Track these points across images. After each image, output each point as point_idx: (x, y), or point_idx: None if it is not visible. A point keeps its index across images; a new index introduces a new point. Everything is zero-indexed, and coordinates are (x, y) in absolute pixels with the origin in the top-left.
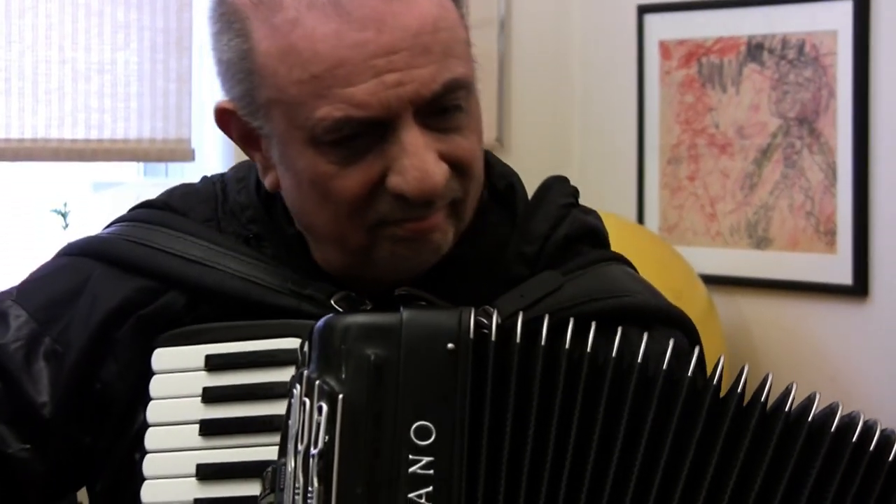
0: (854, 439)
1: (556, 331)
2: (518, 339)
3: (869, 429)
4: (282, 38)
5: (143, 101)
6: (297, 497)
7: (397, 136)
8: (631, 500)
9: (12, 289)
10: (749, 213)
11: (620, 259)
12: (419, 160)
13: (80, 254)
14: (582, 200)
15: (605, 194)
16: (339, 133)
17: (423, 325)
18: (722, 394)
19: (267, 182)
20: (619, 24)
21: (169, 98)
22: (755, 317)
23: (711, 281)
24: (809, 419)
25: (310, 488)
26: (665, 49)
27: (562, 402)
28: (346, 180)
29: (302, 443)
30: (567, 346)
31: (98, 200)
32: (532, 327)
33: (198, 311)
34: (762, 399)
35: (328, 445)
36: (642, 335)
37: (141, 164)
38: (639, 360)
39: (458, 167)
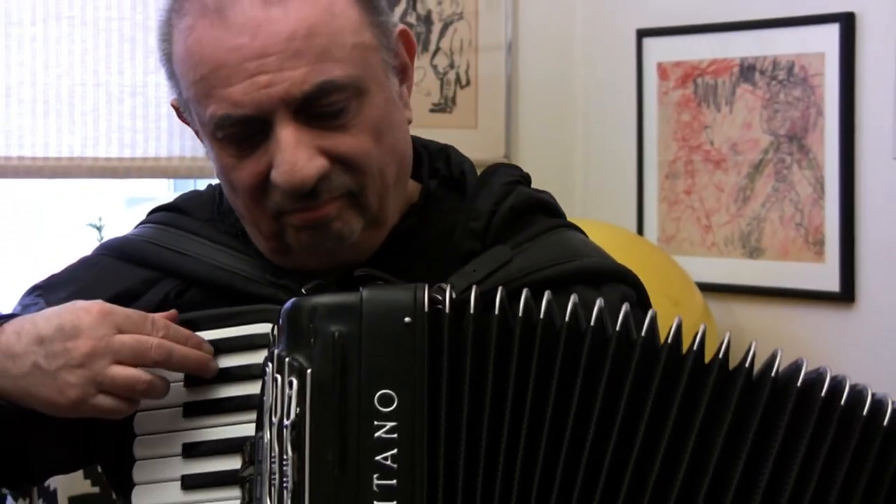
0: (823, 394)
1: (510, 300)
2: (472, 311)
3: (838, 384)
4: (183, 42)
5: (173, 121)
6: (273, 465)
7: (275, 134)
8: (588, 454)
9: (44, 282)
10: (742, 224)
11: (570, 225)
12: (289, 155)
13: (101, 251)
14: (584, 213)
15: (606, 207)
16: (225, 130)
17: (381, 302)
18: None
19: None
20: (619, 47)
21: None
22: (748, 322)
23: (707, 288)
24: (773, 375)
25: (285, 457)
26: (663, 70)
27: (517, 365)
28: (242, 172)
29: (276, 416)
30: (521, 313)
31: (131, 215)
32: (487, 297)
33: (186, 298)
34: (720, 356)
35: (299, 417)
36: (594, 294)
37: (171, 181)
38: (591, 322)
39: (344, 163)
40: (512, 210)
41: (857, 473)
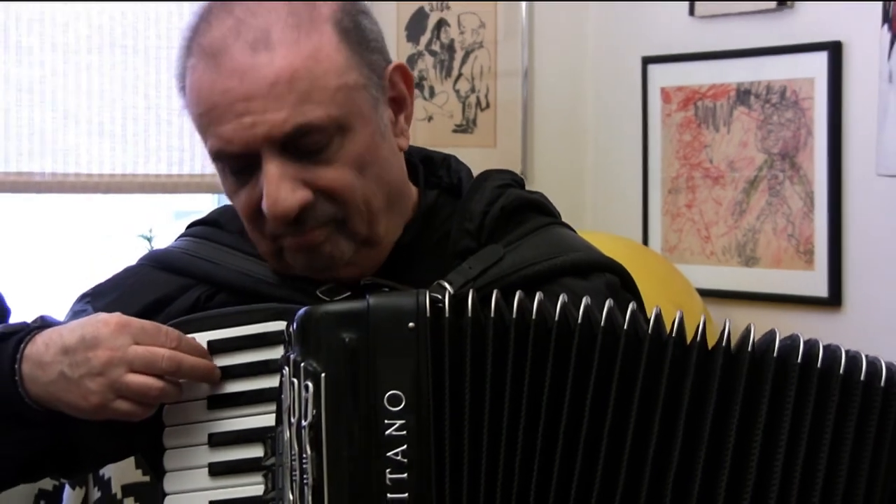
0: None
1: (504, 295)
2: (470, 314)
3: (812, 347)
4: (188, 80)
5: None
6: (294, 462)
7: (263, 167)
8: (584, 439)
9: (91, 290)
10: (739, 235)
11: (558, 223)
12: (272, 188)
13: (143, 261)
14: (594, 225)
15: (614, 220)
16: (222, 162)
17: (386, 309)
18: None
19: None
20: (626, 73)
21: None
22: (744, 325)
23: (707, 294)
24: (749, 349)
25: (304, 455)
26: (666, 95)
27: (513, 363)
28: (240, 199)
29: (294, 416)
30: (514, 314)
31: (179, 227)
32: (483, 294)
33: (216, 301)
34: (697, 339)
35: (316, 418)
36: (581, 284)
37: (215, 195)
38: (578, 319)
39: (327, 194)
40: (502, 210)
41: (843, 430)
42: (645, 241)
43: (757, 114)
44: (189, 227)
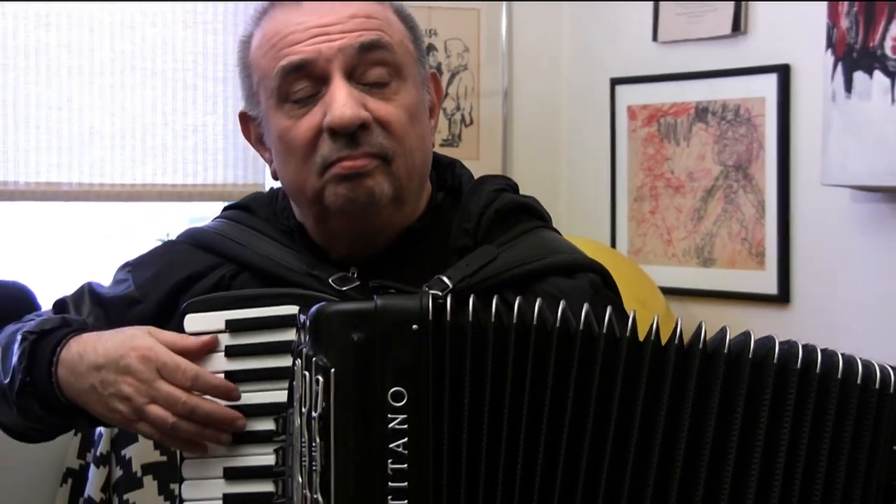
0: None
1: (498, 291)
2: (470, 318)
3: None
4: (262, 30)
5: (227, 154)
6: (303, 448)
7: (329, 87)
8: (591, 436)
9: (134, 260)
10: (697, 239)
11: (547, 226)
12: (341, 98)
13: (182, 238)
14: (568, 230)
15: (586, 225)
16: (289, 77)
17: (392, 311)
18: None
19: (271, 172)
20: (595, 93)
21: (248, 152)
22: (702, 320)
23: (668, 292)
24: (700, 346)
25: (314, 443)
26: (632, 112)
27: (513, 362)
28: (299, 129)
29: (305, 406)
30: (515, 319)
31: None
32: (478, 294)
33: (238, 280)
34: (675, 340)
35: (325, 410)
36: (567, 282)
37: (226, 203)
38: (557, 322)
39: (383, 125)
40: (497, 212)
41: (801, 423)
42: (613, 244)
43: (714, 129)
44: (224, 209)
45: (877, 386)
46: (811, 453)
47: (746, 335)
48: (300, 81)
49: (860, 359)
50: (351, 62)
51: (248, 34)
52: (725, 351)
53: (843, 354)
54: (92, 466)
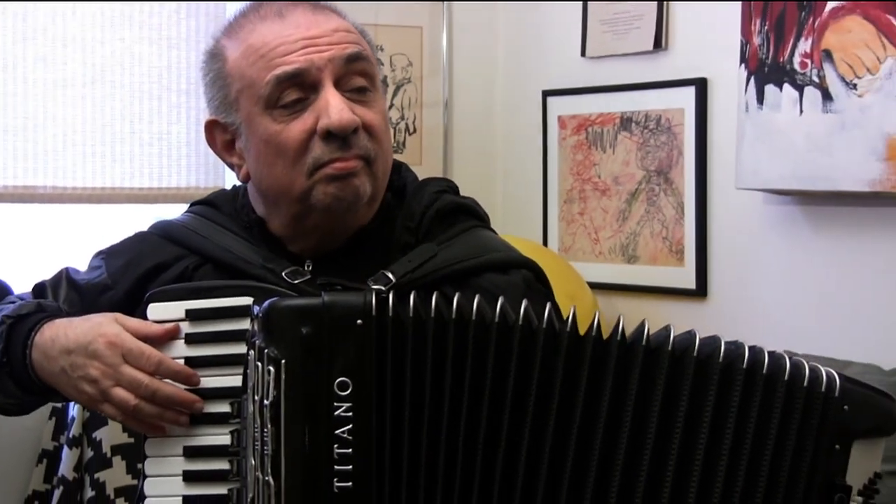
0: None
1: (436, 287)
2: (411, 313)
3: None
4: (243, 42)
5: (190, 160)
6: (256, 433)
7: (321, 95)
8: (532, 424)
9: (107, 249)
10: (622, 238)
11: (484, 226)
12: (337, 104)
13: (152, 229)
14: (503, 229)
15: (520, 224)
16: (281, 89)
17: (339, 307)
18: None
19: (240, 176)
20: (529, 104)
21: (209, 157)
22: (627, 312)
23: (596, 287)
24: (644, 342)
25: (265, 429)
26: (562, 122)
27: (453, 353)
28: (291, 131)
29: (257, 394)
30: (454, 314)
31: None
32: (419, 289)
33: (201, 271)
34: (618, 334)
35: (276, 398)
36: (502, 278)
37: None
38: (496, 316)
39: (368, 130)
40: (438, 212)
41: (745, 421)
42: (545, 243)
43: (637, 138)
44: (191, 205)
45: (822, 389)
46: (755, 451)
47: (691, 333)
48: (291, 89)
49: (807, 362)
50: (339, 71)
51: (219, 47)
52: (669, 348)
53: (790, 357)
54: (65, 448)
